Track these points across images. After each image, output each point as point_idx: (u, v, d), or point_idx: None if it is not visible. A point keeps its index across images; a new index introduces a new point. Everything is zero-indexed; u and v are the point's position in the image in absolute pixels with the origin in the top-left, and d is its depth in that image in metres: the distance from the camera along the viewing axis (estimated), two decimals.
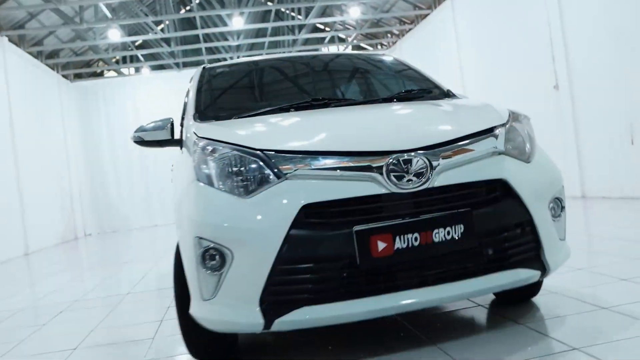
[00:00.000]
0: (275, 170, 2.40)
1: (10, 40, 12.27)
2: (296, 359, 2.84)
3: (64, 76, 16.18)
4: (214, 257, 2.37)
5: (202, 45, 15.67)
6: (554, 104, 9.58)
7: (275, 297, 2.32)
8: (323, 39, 18.26)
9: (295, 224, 2.30)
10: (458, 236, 2.39)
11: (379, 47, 19.07)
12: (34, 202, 12.31)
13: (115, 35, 13.38)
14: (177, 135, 3.44)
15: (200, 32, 14.07)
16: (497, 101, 3.26)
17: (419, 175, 2.40)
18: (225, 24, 14.28)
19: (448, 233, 2.38)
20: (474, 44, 12.37)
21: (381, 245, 2.31)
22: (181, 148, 3.26)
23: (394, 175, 2.38)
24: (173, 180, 3.36)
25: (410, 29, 16.43)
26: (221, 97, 3.75)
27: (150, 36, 14.55)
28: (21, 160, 11.92)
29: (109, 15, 12.36)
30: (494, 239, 2.50)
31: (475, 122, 2.69)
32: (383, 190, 2.37)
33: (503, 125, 2.70)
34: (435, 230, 2.36)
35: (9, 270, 9.07)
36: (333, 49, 18.90)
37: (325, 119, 2.91)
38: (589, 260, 4.43)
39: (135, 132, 3.44)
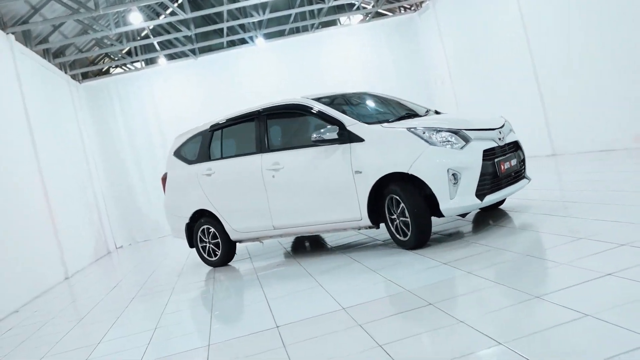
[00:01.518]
0: (467, 137, 5.49)
1: (16, 39, 10.72)
2: None
3: (72, 77, 14.63)
4: (455, 178, 5.29)
5: (225, 25, 14.14)
6: None
7: (483, 190, 5.42)
8: (343, 9, 16.86)
9: (485, 157, 5.46)
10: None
11: (401, 10, 17.66)
12: (66, 222, 10.85)
13: (137, 18, 11.87)
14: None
15: (225, 8, 12.54)
16: None
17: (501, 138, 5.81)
18: None
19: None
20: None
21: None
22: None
23: (499, 138, 5.75)
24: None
25: None
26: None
27: (168, 19, 13.03)
28: (46, 178, 10.42)
29: None
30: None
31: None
32: (497, 143, 5.69)
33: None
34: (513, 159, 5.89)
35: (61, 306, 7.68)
36: (356, 19, 17.47)
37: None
38: None
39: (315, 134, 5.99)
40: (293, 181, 6.36)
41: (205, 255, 7.59)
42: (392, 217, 5.65)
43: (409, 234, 5.50)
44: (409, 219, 5.43)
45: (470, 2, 13.65)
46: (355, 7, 16.55)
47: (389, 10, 17.81)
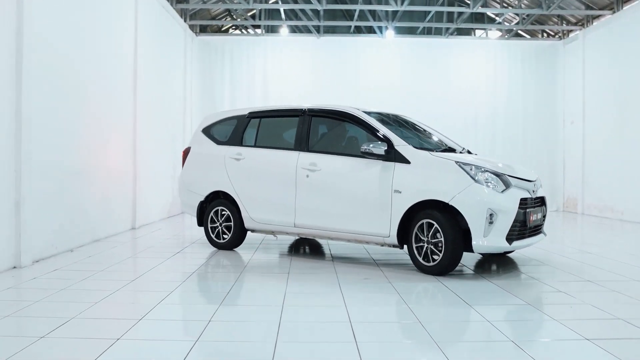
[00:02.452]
0: (508, 182, 5.85)
1: None
2: None
3: (190, 27, 14.18)
4: (491, 218, 5.57)
5: (358, 7, 13.24)
6: None
7: (512, 235, 5.76)
8: (481, 20, 15.62)
9: (520, 205, 5.79)
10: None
11: (542, 35, 16.20)
12: (147, 172, 10.31)
13: None
14: None
15: None
16: None
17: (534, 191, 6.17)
18: None
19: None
20: None
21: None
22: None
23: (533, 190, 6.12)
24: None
25: (598, 16, 13.53)
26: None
27: None
28: (139, 119, 9.90)
29: None
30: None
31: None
32: (530, 195, 6.03)
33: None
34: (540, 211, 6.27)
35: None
36: (493, 34, 16.18)
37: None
38: None
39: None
40: (327, 185, 6.52)
41: (213, 237, 7.59)
42: (420, 241, 5.88)
43: (438, 260, 5.77)
44: (442, 246, 5.70)
45: (627, 43, 12.13)
46: (497, 22, 15.28)
47: (531, 32, 16.39)
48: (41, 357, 3.38)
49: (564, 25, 14.96)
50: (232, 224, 7.38)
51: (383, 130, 6.32)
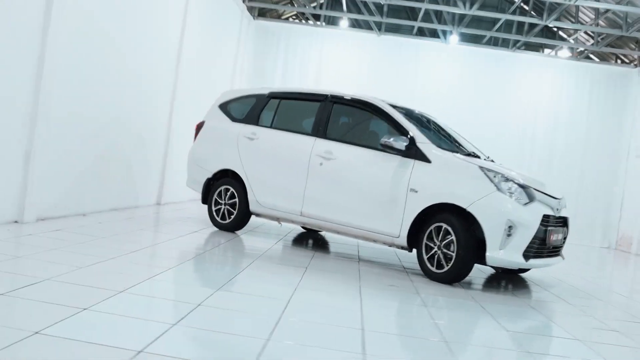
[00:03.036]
0: (533, 195, 5.54)
1: None
2: None
3: (249, 9, 13.75)
4: (510, 230, 5.20)
5: (423, 5, 12.57)
6: None
7: (529, 252, 5.34)
8: (552, 36, 14.69)
9: (542, 221, 5.41)
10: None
11: (616, 61, 15.17)
12: (179, 149, 9.84)
13: None
14: None
15: None
16: None
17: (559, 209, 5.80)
18: None
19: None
20: None
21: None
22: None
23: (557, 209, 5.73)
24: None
25: None
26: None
27: None
28: (179, 96, 9.44)
29: None
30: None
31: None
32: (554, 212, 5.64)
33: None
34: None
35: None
36: (563, 53, 15.22)
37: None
38: None
39: None
40: (340, 175, 6.19)
41: (217, 217, 7.19)
42: (431, 246, 5.53)
43: (447, 267, 5.40)
44: (454, 253, 5.34)
45: None
46: (568, 41, 14.35)
47: (604, 57, 15.37)
48: None
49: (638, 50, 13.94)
50: (236, 204, 6.99)
51: (407, 125, 6.01)
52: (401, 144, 5.74)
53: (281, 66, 14.23)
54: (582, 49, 14.47)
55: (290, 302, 3.96)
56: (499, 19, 13.46)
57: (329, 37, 14.38)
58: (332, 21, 15.35)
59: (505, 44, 14.63)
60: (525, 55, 14.46)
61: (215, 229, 7.22)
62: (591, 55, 15.20)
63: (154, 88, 8.69)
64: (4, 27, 5.23)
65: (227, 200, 7.09)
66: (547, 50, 15.56)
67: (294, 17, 16.61)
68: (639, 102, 13.72)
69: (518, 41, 14.19)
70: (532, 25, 13.64)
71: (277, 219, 6.91)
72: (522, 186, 5.45)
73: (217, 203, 7.18)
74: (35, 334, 2.62)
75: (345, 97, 6.59)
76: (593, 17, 13.23)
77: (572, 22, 14.13)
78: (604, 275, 8.84)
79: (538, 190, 5.60)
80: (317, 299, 4.35)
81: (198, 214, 8.73)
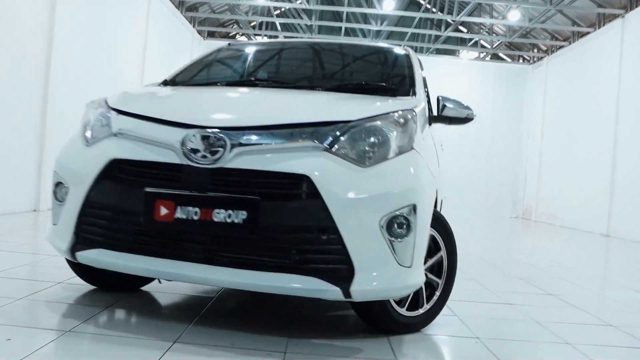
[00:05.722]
0: (114, 127, 2.66)
1: None
2: None
3: (199, 32, 16.05)
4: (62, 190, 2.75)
5: (343, 25, 15.06)
6: None
7: (83, 234, 2.60)
8: (463, 40, 17.28)
9: (103, 174, 2.53)
10: (239, 222, 2.32)
11: (520, 60, 17.86)
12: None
13: None
14: None
15: (345, 9, 13.45)
16: None
17: (213, 152, 2.38)
18: (372, 5, 13.56)
19: (229, 216, 2.33)
20: None
21: (163, 211, 2.38)
22: None
23: (191, 149, 2.39)
24: None
25: (561, 46, 15.16)
26: (205, 69, 4.13)
27: (293, 4, 14.08)
28: None
29: None
30: (283, 237, 2.34)
31: (321, 114, 2.58)
32: (177, 161, 2.42)
33: (346, 122, 2.50)
34: (217, 210, 2.34)
35: None
36: (473, 54, 17.88)
37: (219, 96, 3.15)
38: None
39: None
40: None
41: None
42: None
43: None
44: None
45: (576, 72, 13.84)
46: (471, 42, 16.98)
47: (509, 56, 18.06)
48: None
49: (536, 52, 16.64)
50: None
51: None
52: None
53: None
54: (488, 51, 17.09)
55: None
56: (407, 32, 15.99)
57: None
58: (272, 37, 17.74)
59: (422, 50, 17.19)
60: (438, 59, 17.06)
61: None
62: (502, 55, 17.86)
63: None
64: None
65: None
66: (463, 53, 18.17)
67: (240, 34, 18.92)
68: (532, 94, 16.44)
69: (430, 48, 16.72)
70: (447, 24, 16.23)
71: None
72: None
73: None
74: None
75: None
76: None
77: (475, 28, 16.77)
78: (504, 237, 11.26)
79: None
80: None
81: None
